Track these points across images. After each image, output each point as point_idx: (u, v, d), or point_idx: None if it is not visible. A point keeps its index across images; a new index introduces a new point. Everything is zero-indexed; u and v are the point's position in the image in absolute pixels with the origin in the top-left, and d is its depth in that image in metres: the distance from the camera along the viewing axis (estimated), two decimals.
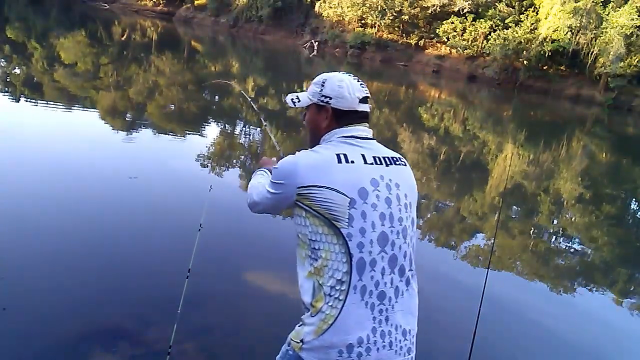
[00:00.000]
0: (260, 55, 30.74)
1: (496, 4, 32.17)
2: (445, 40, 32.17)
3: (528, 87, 29.45)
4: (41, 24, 26.29)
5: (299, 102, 1.68)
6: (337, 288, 1.44)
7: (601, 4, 28.47)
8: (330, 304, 1.44)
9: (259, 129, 11.21)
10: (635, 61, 27.06)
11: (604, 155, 15.51)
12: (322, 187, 1.45)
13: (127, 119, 10.12)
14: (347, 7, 34.56)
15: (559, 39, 28.48)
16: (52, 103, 10.05)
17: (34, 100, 10.11)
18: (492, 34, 30.44)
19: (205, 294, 3.60)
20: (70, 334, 3.07)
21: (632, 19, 26.77)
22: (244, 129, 10.87)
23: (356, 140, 1.57)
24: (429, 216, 6.72)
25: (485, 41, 30.82)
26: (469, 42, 31.35)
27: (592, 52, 28.10)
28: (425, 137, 12.74)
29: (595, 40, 28.01)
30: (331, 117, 1.60)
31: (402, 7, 33.03)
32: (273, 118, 12.43)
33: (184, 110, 11.89)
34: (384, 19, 33.60)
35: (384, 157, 1.58)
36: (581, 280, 5.66)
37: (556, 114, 24.42)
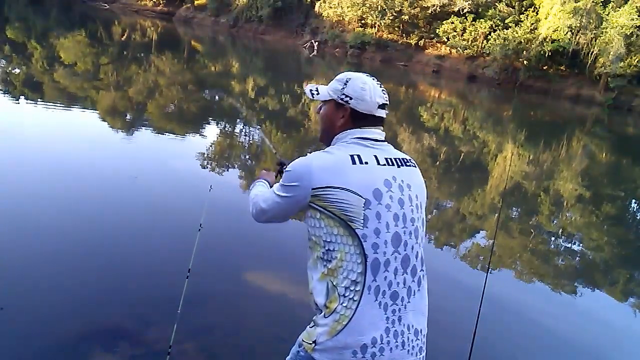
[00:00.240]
0: (260, 55, 30.74)
1: (496, 4, 32.18)
2: (445, 40, 32.18)
3: (528, 87, 29.45)
4: (41, 24, 26.29)
5: (317, 94, 1.65)
6: (352, 289, 1.44)
7: (601, 4, 28.48)
8: (344, 304, 1.44)
9: (259, 128, 11.21)
10: (635, 61, 27.07)
11: (604, 155, 15.51)
12: (337, 188, 1.45)
13: (127, 119, 10.12)
14: (347, 7, 34.57)
15: (559, 39, 28.49)
16: (52, 103, 10.05)
17: (34, 100, 10.11)
18: (492, 34, 30.45)
19: (205, 294, 3.60)
20: (70, 334, 3.07)
21: (632, 19, 26.77)
22: (244, 128, 10.86)
23: (369, 142, 1.57)
24: (429, 216, 6.71)
25: (485, 41, 30.83)
26: (469, 42, 31.35)
27: (592, 52, 28.10)
28: (425, 137, 12.74)
29: (595, 40, 28.01)
30: (348, 117, 1.59)
31: (402, 7, 33.04)
32: (273, 118, 12.44)
33: (184, 110, 11.89)
34: (384, 19, 33.61)
35: (395, 159, 1.58)
36: (581, 280, 5.66)
37: (556, 114, 24.42)
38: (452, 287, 4.61)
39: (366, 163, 1.51)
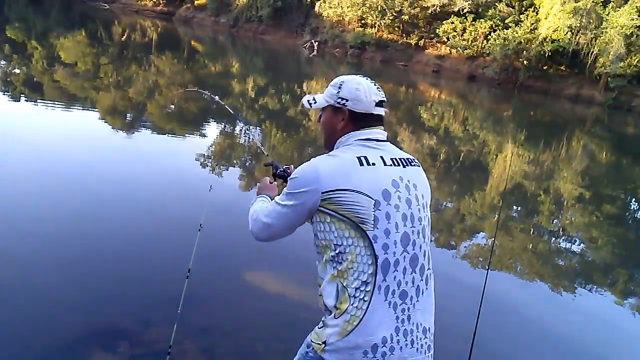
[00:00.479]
0: (260, 55, 30.74)
1: (496, 4, 32.16)
2: (445, 40, 32.16)
3: (528, 87, 29.44)
4: (41, 24, 26.28)
5: (315, 103, 1.67)
6: (362, 289, 1.45)
7: (601, 4, 28.47)
8: (355, 305, 1.45)
9: (259, 128, 11.22)
10: (635, 61, 27.05)
11: (604, 155, 15.50)
12: (347, 190, 1.45)
13: (127, 119, 10.12)
14: (347, 7, 34.56)
15: (559, 39, 28.47)
16: (52, 103, 10.05)
17: (33, 100, 10.11)
18: (492, 34, 30.43)
19: (205, 293, 3.60)
20: (70, 334, 3.07)
21: (632, 19, 26.76)
22: (244, 128, 10.86)
23: (373, 142, 1.58)
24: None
25: (485, 41, 30.82)
26: (469, 42, 31.34)
27: (592, 52, 28.09)
28: (425, 137, 12.74)
29: (595, 40, 28.00)
30: (347, 120, 1.60)
31: (402, 7, 33.02)
32: (273, 118, 12.44)
33: (184, 110, 11.89)
34: (384, 19, 33.60)
35: (400, 159, 1.60)
36: (581, 280, 5.66)
37: (556, 114, 24.42)
38: (452, 287, 4.61)
39: (373, 164, 1.52)
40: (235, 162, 8.28)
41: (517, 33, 29.56)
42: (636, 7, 27.24)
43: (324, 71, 26.27)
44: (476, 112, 20.65)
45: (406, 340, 1.48)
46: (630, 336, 4.58)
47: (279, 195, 1.67)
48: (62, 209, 4.89)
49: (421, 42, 33.98)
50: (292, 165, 2.04)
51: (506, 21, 30.98)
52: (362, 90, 1.59)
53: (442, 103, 21.58)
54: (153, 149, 8.06)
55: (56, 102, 10.12)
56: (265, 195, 1.84)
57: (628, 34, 26.94)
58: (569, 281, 5.53)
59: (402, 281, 1.48)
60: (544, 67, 30.25)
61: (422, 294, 1.54)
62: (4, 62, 14.15)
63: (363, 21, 35.27)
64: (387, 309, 1.46)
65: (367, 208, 1.45)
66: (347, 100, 1.59)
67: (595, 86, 28.48)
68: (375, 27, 34.80)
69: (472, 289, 3.72)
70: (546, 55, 29.03)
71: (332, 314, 1.48)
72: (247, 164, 8.12)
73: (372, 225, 1.45)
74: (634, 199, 10.77)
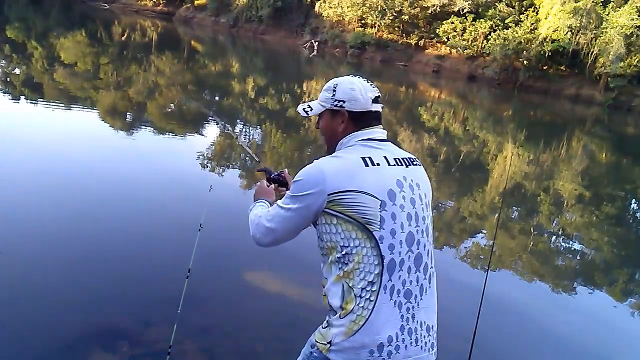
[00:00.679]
0: (260, 55, 30.74)
1: (496, 4, 32.15)
2: (445, 40, 32.15)
3: (528, 87, 29.44)
4: (41, 24, 26.28)
5: (311, 110, 1.66)
6: (368, 289, 1.45)
7: (601, 4, 28.46)
8: (361, 305, 1.45)
9: (259, 128, 11.22)
10: (635, 61, 27.05)
11: (604, 155, 15.50)
12: (354, 191, 1.45)
13: (127, 119, 10.12)
14: (347, 7, 34.55)
15: (559, 39, 28.47)
16: (52, 103, 10.05)
17: (33, 100, 10.11)
18: (492, 34, 30.42)
19: (205, 294, 3.60)
20: (70, 334, 3.07)
21: (632, 19, 26.76)
22: (244, 128, 10.86)
23: (375, 142, 1.58)
24: None
25: (485, 41, 30.81)
26: (469, 42, 31.33)
27: (592, 52, 28.09)
28: (425, 137, 12.74)
29: (595, 40, 27.99)
30: (347, 121, 1.60)
31: (402, 7, 33.01)
32: (273, 118, 12.44)
33: (184, 110, 11.89)
34: (384, 19, 33.59)
35: (402, 159, 1.60)
36: (581, 280, 5.66)
37: (556, 114, 24.42)
38: (452, 287, 4.61)
39: (378, 164, 1.52)
40: (235, 162, 8.29)
41: (517, 33, 29.56)
42: (636, 7, 27.24)
43: (324, 71, 26.27)
44: (476, 112, 20.64)
45: (411, 339, 1.49)
46: (630, 336, 4.58)
47: (278, 199, 1.66)
48: (61, 208, 4.89)
49: (421, 42, 33.97)
50: (285, 170, 2.04)
51: (506, 21, 30.97)
52: (357, 89, 1.59)
53: (442, 103, 21.58)
54: (153, 149, 8.06)
55: (56, 102, 10.12)
56: (263, 200, 1.82)
57: (628, 34, 26.94)
58: (569, 281, 5.53)
59: (406, 280, 1.49)
60: (544, 67, 30.25)
61: (426, 292, 1.55)
62: (4, 62, 14.14)
63: (363, 21, 35.26)
64: (392, 308, 1.46)
65: (374, 209, 1.45)
66: (344, 102, 1.59)
67: (595, 86, 28.47)
68: (375, 27, 34.79)
69: (472, 289, 3.72)
70: (546, 55, 29.03)
71: (338, 314, 1.48)
72: (247, 163, 8.12)
73: (379, 226, 1.45)
74: (634, 199, 10.77)
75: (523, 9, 31.78)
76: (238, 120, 11.65)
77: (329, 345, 1.48)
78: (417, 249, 1.52)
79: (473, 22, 31.35)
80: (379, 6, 33.44)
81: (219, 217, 4.64)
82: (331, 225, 1.48)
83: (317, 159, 1.56)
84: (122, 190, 5.69)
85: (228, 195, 5.98)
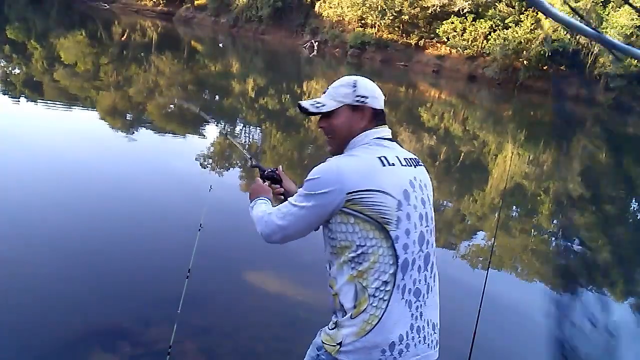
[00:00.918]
0: (260, 55, 30.73)
1: (496, 4, 32.13)
2: (445, 40, 32.14)
3: (528, 87, 29.42)
4: (41, 24, 26.28)
5: (323, 106, 1.60)
6: (382, 289, 1.45)
7: (601, 4, 28.47)
8: (375, 304, 1.45)
9: (259, 128, 11.22)
10: (635, 61, 27.00)
11: (604, 155, 15.50)
12: (373, 190, 1.45)
13: (127, 119, 10.12)
14: (347, 7, 34.54)
15: (559, 39, 28.47)
16: (52, 103, 10.04)
17: (34, 100, 10.11)
18: (492, 34, 30.42)
19: (205, 294, 3.60)
20: (70, 333, 3.07)
21: (632, 19, 26.77)
22: (244, 128, 10.86)
23: (386, 142, 1.59)
24: None
25: (485, 41, 30.80)
26: (469, 42, 31.31)
27: (592, 52, 28.08)
28: (425, 137, 12.74)
29: None
30: (370, 117, 1.59)
31: (402, 7, 33.00)
32: (273, 118, 12.44)
33: (184, 110, 11.88)
34: (384, 19, 33.57)
35: (410, 159, 1.61)
36: (581, 280, 5.65)
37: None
38: (452, 287, 4.60)
39: (393, 164, 1.52)
40: (235, 161, 8.28)
41: (517, 33, 29.55)
42: (636, 7, 27.21)
43: (324, 71, 26.26)
44: (476, 112, 20.64)
45: (419, 337, 1.50)
46: (630, 336, 4.57)
47: (274, 196, 1.66)
48: (61, 209, 4.89)
49: (421, 42, 33.96)
50: (280, 167, 2.02)
51: (506, 21, 30.96)
52: (375, 86, 1.62)
53: (442, 103, 21.58)
54: (153, 149, 8.06)
55: (56, 102, 10.11)
56: (263, 197, 1.78)
57: (628, 34, 26.95)
58: (569, 281, 5.52)
59: (417, 279, 1.50)
60: (544, 67, 30.25)
61: (431, 290, 1.56)
62: (4, 62, 14.14)
63: (363, 21, 35.24)
64: (403, 307, 1.47)
65: (392, 208, 1.45)
66: (366, 98, 1.58)
67: (595, 86, 28.48)
68: (375, 27, 34.78)
69: (472, 289, 3.72)
70: (546, 55, 29.03)
71: (349, 315, 1.47)
72: (247, 163, 8.11)
73: (395, 226, 1.46)
74: (634, 199, 10.77)
75: (523, 9, 31.74)
76: (238, 120, 11.65)
77: (338, 346, 1.47)
78: (427, 248, 1.54)
79: (473, 22, 31.34)
80: (379, 6, 33.42)
81: (219, 217, 4.64)
82: (348, 225, 1.47)
83: (330, 158, 1.54)
84: (122, 190, 5.69)
85: (228, 195, 5.98)
